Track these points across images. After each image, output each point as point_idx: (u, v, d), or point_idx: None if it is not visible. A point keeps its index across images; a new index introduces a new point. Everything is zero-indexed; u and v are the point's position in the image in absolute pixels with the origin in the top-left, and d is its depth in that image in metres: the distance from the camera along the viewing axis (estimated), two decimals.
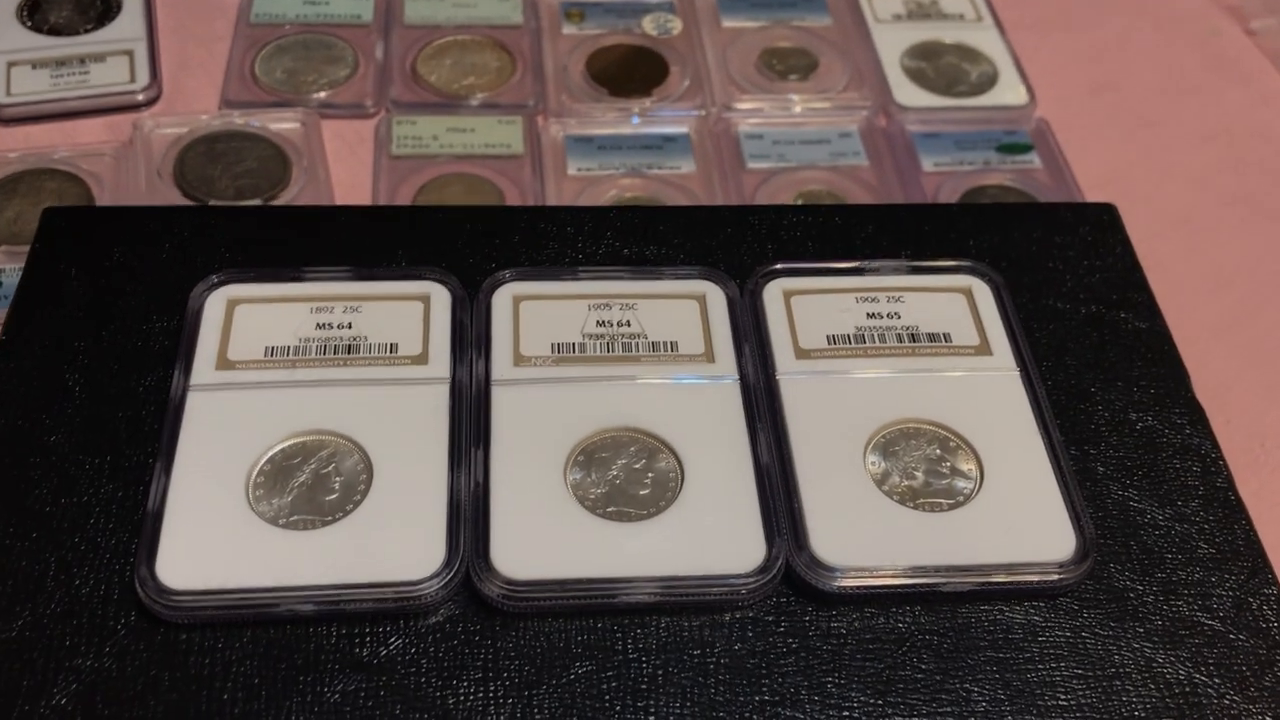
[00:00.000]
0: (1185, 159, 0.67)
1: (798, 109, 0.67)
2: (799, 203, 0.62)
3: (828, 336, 0.46)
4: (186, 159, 0.62)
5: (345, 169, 0.63)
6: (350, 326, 0.45)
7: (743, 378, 0.45)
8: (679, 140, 0.65)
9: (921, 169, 0.65)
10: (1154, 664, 0.40)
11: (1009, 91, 0.69)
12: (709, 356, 0.45)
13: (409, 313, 0.46)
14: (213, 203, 0.60)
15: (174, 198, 0.60)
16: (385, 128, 0.65)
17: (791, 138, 0.66)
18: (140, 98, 0.65)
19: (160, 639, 0.39)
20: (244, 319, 0.45)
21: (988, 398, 0.45)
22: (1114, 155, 0.67)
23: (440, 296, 0.46)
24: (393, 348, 0.45)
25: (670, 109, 0.67)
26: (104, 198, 0.60)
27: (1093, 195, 0.64)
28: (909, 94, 0.68)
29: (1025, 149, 0.66)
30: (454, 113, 0.66)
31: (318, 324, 0.45)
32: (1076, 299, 0.49)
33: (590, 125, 0.66)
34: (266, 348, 0.45)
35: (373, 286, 0.46)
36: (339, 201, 0.62)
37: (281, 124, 0.64)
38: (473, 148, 0.64)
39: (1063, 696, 0.39)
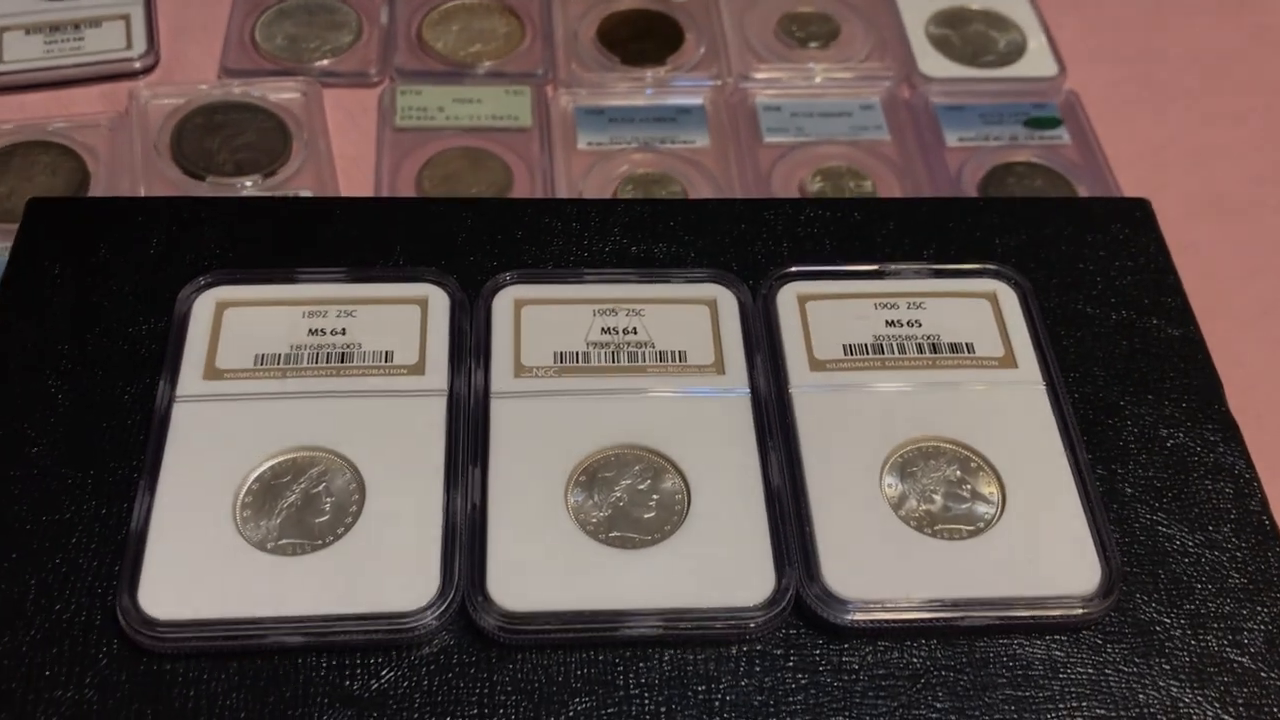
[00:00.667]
0: (1220, 133, 0.65)
1: (818, 79, 0.65)
2: (817, 182, 0.60)
3: (844, 346, 0.44)
4: (184, 132, 0.60)
5: (347, 141, 0.61)
6: (344, 333, 0.43)
7: (754, 391, 0.43)
8: (693, 112, 0.63)
9: (945, 144, 0.62)
10: (1180, 704, 0.38)
11: (1038, 62, 0.66)
12: (719, 368, 0.43)
13: (405, 318, 0.44)
14: (209, 180, 0.58)
15: (171, 173, 0.59)
16: (389, 98, 0.62)
17: (810, 110, 0.64)
18: (137, 65, 0.63)
19: (143, 669, 0.38)
20: (233, 323, 0.43)
21: (1011, 414, 0.43)
22: (1146, 129, 0.65)
23: (438, 300, 0.44)
24: (388, 356, 0.43)
25: (685, 78, 0.64)
26: (99, 172, 0.58)
27: (1123, 172, 0.62)
28: (934, 63, 0.65)
29: (1054, 123, 0.63)
30: (460, 82, 0.63)
31: (310, 329, 0.43)
32: (1106, 303, 0.47)
33: (601, 95, 0.63)
34: (256, 355, 0.43)
35: (368, 289, 0.44)
36: (341, 177, 0.60)
37: (282, 94, 0.62)
38: (479, 119, 0.62)
39: None
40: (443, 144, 0.61)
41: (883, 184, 0.60)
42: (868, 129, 0.63)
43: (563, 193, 0.59)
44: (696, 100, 0.63)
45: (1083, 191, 0.60)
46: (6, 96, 0.62)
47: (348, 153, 0.61)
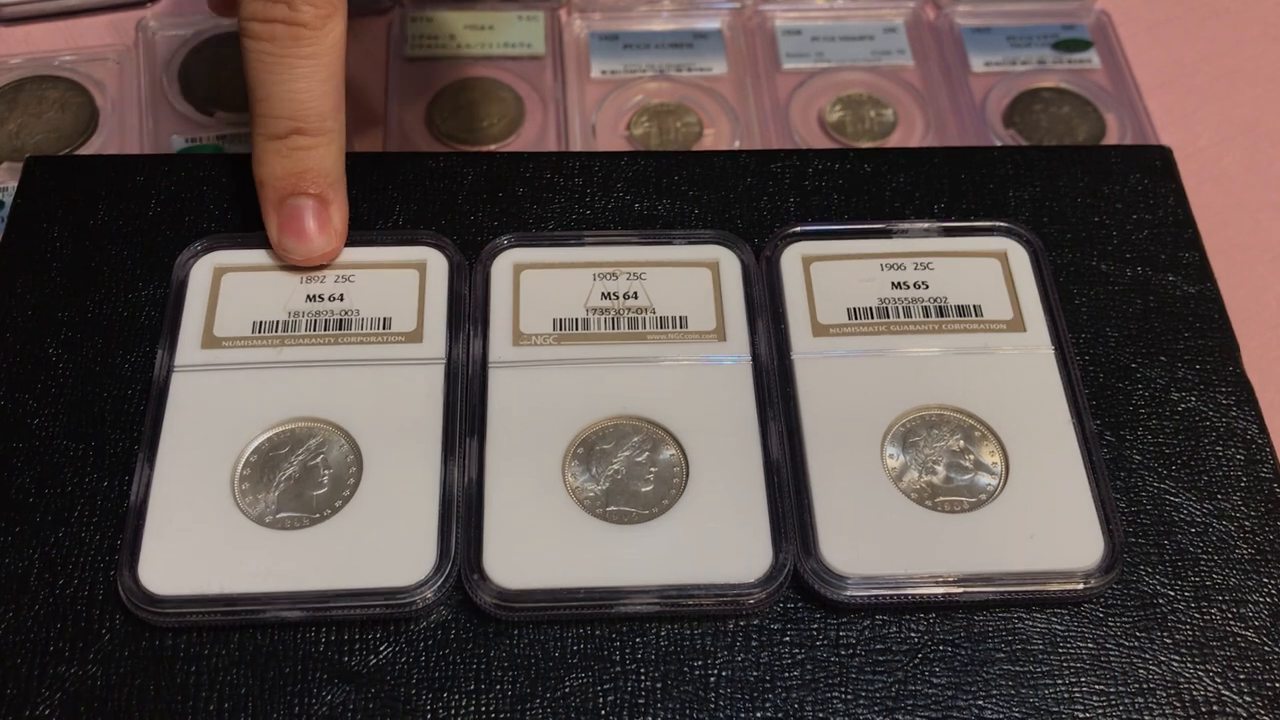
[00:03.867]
0: (1257, 54, 0.63)
1: (840, 0, 0.63)
2: (836, 111, 0.59)
3: (848, 310, 0.43)
4: (191, 65, 0.60)
5: (358, 72, 0.60)
6: (342, 299, 0.43)
7: (755, 358, 0.42)
8: (710, 37, 0.61)
9: (970, 70, 0.61)
10: (1181, 679, 0.38)
11: None
12: (720, 334, 0.42)
13: (403, 283, 0.43)
14: (218, 115, 0.57)
15: (180, 108, 0.58)
16: (399, 25, 0.61)
17: (831, 33, 0.62)
18: None
19: (145, 645, 0.38)
20: (231, 290, 0.43)
21: (1018, 380, 0.42)
22: (1179, 50, 0.63)
23: (437, 264, 0.44)
24: (385, 323, 0.42)
25: (704, 1, 0.62)
26: (108, 108, 0.58)
27: (1153, 97, 0.60)
28: None
29: (1084, 46, 0.61)
30: (472, 8, 0.62)
31: (308, 295, 0.43)
32: (1122, 259, 0.45)
33: (616, 20, 0.62)
34: (254, 323, 0.42)
35: (366, 253, 0.44)
36: (351, 109, 0.59)
37: None
38: (491, 47, 0.61)
39: (1081, 714, 0.38)
40: (453, 74, 0.60)
41: (904, 113, 0.59)
42: (890, 53, 0.61)
43: (575, 125, 0.58)
44: (714, 24, 0.62)
45: (1110, 119, 0.59)
46: (13, 28, 0.61)
47: (357, 84, 0.60)
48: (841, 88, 0.60)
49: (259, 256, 0.44)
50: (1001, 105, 0.59)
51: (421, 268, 0.44)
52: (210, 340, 0.42)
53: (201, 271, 0.43)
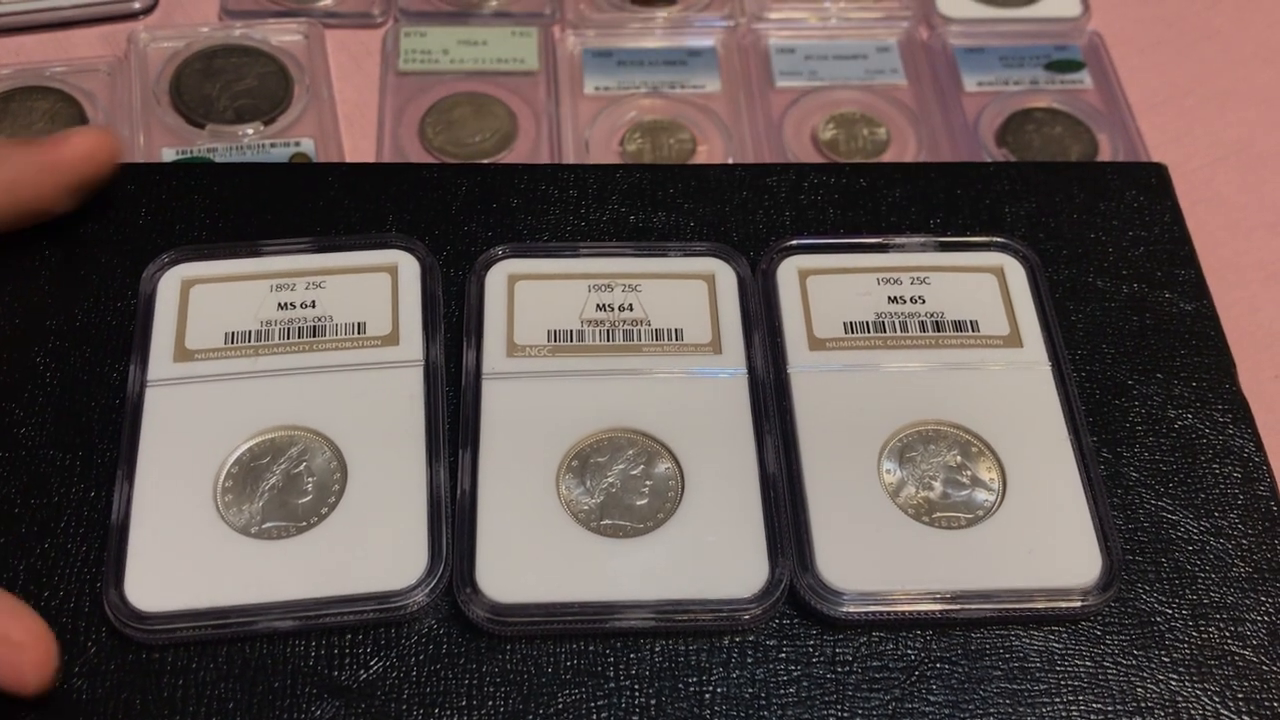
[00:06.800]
0: (1249, 76, 0.63)
1: (833, 20, 0.63)
2: (830, 129, 0.58)
3: (845, 324, 0.43)
4: (183, 77, 0.59)
5: (350, 86, 0.60)
6: (314, 305, 0.42)
7: (751, 371, 0.42)
8: (704, 55, 0.61)
9: (963, 89, 0.61)
10: (1178, 698, 0.38)
11: (1062, 1, 0.64)
12: (716, 347, 0.42)
13: (376, 287, 0.43)
14: (209, 128, 0.57)
15: (171, 121, 0.58)
16: (393, 40, 0.61)
17: (825, 52, 0.62)
18: (136, 5, 0.61)
19: (132, 658, 0.37)
20: (200, 301, 0.43)
21: (1015, 396, 0.42)
22: (1172, 71, 0.62)
23: (408, 266, 0.43)
24: (360, 327, 0.42)
25: (697, 19, 0.62)
26: (99, 119, 0.57)
27: (1146, 118, 0.60)
28: (953, 3, 0.63)
29: (1076, 67, 0.61)
30: (465, 23, 0.62)
31: (279, 304, 0.43)
32: (1118, 275, 0.45)
33: (610, 37, 0.62)
34: (226, 334, 0.42)
35: (335, 258, 0.44)
36: (343, 123, 0.58)
37: (284, 36, 0.61)
38: (484, 63, 0.60)
39: None
40: (446, 89, 0.59)
41: (897, 132, 0.59)
42: (883, 72, 0.61)
43: (569, 141, 0.57)
44: (708, 42, 0.62)
45: (1103, 139, 0.59)
46: (4, 39, 0.61)
47: (350, 98, 0.60)
48: (834, 106, 0.60)
49: (227, 267, 0.43)
50: (994, 125, 0.59)
51: (393, 271, 0.43)
52: (183, 353, 0.42)
53: (169, 284, 0.43)
